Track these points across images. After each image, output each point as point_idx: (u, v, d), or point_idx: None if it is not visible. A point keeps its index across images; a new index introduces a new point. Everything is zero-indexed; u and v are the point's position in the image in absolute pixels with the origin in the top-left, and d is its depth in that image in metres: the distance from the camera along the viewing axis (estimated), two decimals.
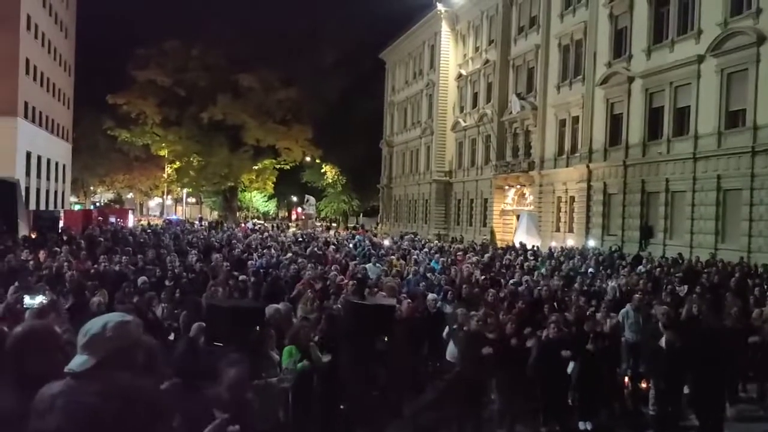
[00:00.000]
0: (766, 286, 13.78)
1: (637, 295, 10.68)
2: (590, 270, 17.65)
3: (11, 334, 2.92)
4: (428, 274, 15.49)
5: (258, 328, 6.13)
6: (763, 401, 9.02)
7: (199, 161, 61.18)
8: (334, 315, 7.72)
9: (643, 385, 8.92)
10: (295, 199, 76.22)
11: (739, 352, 8.70)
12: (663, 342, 8.03)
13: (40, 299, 4.07)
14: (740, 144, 22.75)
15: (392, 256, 20.23)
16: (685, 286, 13.60)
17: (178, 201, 79.66)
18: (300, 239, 28.14)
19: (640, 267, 19.02)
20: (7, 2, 39.83)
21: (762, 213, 21.75)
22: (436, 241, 30.47)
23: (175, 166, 64.56)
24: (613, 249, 25.48)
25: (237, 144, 61.42)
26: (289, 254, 18.66)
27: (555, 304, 10.81)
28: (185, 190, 70.87)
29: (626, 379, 9.18)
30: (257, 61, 59.09)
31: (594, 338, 8.16)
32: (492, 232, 38.14)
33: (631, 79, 28.80)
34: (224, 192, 66.13)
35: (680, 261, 21.17)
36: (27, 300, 3.95)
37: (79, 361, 2.40)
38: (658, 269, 18.30)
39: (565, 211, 34.57)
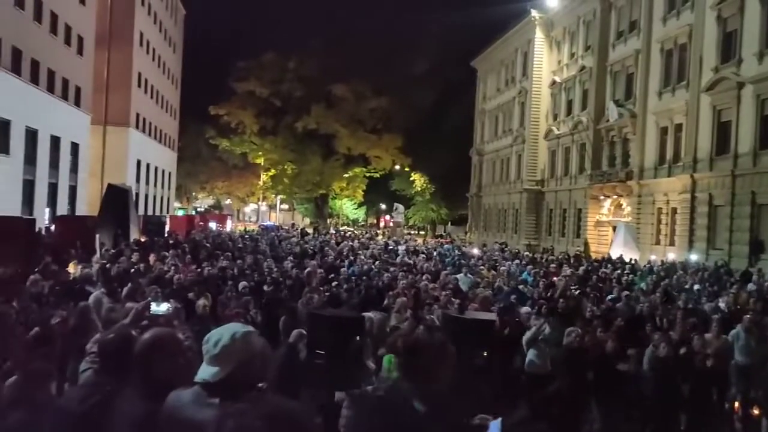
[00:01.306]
0: None
1: (748, 316, 10.05)
2: (696, 287, 16.74)
3: (140, 340, 3.07)
4: (520, 286, 15.24)
5: (358, 337, 6.27)
6: None
7: (293, 169, 63.19)
8: (431, 327, 7.76)
9: (756, 412, 8.40)
10: (383, 206, 77.02)
11: None
12: None
13: (166, 307, 4.36)
14: None
15: (482, 267, 20.03)
16: None
17: (272, 207, 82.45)
18: (390, 247, 28.41)
19: (750, 284, 17.85)
20: (122, 21, 42.89)
21: None
22: (527, 252, 29.86)
23: (270, 174, 66.98)
24: (719, 264, 24.04)
25: (329, 152, 62.98)
26: (377, 262, 18.88)
27: (657, 321, 10.36)
28: (279, 197, 73.27)
29: (736, 404, 8.67)
30: (350, 72, 60.47)
31: (703, 359, 7.77)
32: (586, 244, 37.01)
33: (741, 85, 27.16)
34: (316, 199, 67.89)
35: None
36: (154, 307, 4.24)
37: (211, 372, 2.51)
38: None
39: (666, 223, 32.98)
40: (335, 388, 6.04)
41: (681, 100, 31.66)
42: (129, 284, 10.74)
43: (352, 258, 20.81)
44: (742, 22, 27.31)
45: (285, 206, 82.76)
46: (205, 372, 2.54)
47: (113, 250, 17.70)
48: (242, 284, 11.39)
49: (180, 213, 57.86)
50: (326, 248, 25.42)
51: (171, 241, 23.28)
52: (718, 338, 8.94)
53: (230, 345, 2.55)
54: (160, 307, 4.27)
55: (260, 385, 2.61)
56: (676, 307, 11.86)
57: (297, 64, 60.87)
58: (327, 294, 12.29)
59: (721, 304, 12.25)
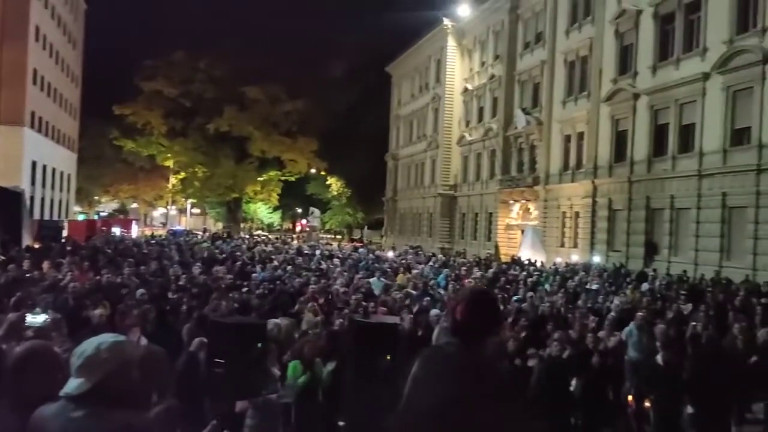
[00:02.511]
0: None
1: (641, 314, 10.62)
2: (594, 287, 17.56)
3: (12, 354, 2.90)
4: (431, 291, 15.43)
5: (260, 344, 6.11)
6: None
7: (204, 172, 61.44)
8: (336, 332, 7.69)
9: (647, 404, 8.84)
10: (299, 210, 76.33)
11: (744, 372, 8.60)
12: (660, 359, 7.99)
13: (43, 318, 4.05)
14: (745, 162, 22.69)
15: (398, 270, 20.15)
16: (690, 305, 13.52)
17: (182, 211, 79.85)
18: (305, 252, 28.12)
19: (645, 284, 18.93)
20: (15, 14, 40.30)
21: (767, 231, 21.65)
22: (441, 255, 30.39)
23: (180, 177, 64.84)
24: (617, 265, 25.38)
25: (242, 155, 61.70)
26: (290, 267, 18.63)
27: (558, 321, 10.75)
28: (190, 201, 71.08)
29: (630, 398, 9.09)
30: (264, 74, 59.52)
31: (597, 356, 8.10)
32: (496, 247, 38.10)
33: (636, 96, 28.83)
34: (229, 203, 66.31)
35: (685, 279, 21.08)
36: (29, 318, 3.93)
37: (74, 385, 2.39)
38: (663, 287, 18.19)
39: (570, 227, 34.50)
40: (236, 397, 5.87)
41: (583, 109, 33.24)
42: (18, 293, 10.03)
43: (263, 263, 20.43)
44: (638, 36, 29.02)
45: (196, 210, 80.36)
46: (70, 384, 2.41)
47: (2, 257, 16.49)
48: (140, 292, 10.84)
49: (81, 217, 54.94)
50: (238, 253, 24.85)
51: (68, 248, 21.99)
52: (611, 336, 9.38)
53: (94, 355, 2.42)
54: (37, 319, 3.96)
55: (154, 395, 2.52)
56: (577, 307, 12.37)
57: (208, 65, 59.30)
58: (236, 300, 11.96)
59: (617, 303, 12.88)
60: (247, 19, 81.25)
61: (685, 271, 22.68)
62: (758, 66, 22.32)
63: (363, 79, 64.08)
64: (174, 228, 56.44)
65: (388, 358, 5.42)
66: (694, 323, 10.70)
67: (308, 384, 7.25)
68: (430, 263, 24.54)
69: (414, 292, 14.78)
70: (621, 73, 30.15)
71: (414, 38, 54.23)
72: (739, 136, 23.48)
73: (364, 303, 11.23)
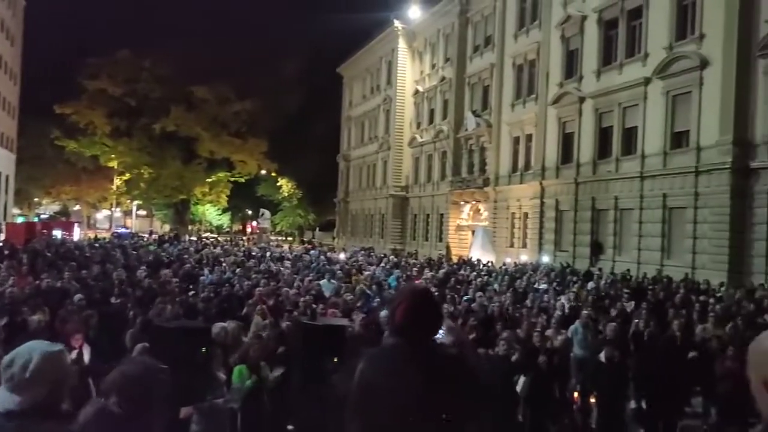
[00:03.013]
0: (708, 303, 14.19)
1: (586, 312, 10.86)
2: (542, 286, 17.88)
3: None
4: (384, 292, 15.41)
5: (204, 348, 5.96)
6: (707, 416, 9.22)
7: (150, 173, 60.00)
8: (283, 335, 7.58)
9: (592, 400, 9.05)
10: (249, 212, 75.35)
11: (683, 367, 8.88)
12: (603, 357, 8.19)
13: None
14: (684, 164, 23.53)
15: (350, 272, 20.06)
16: (633, 302, 13.90)
17: (127, 214, 77.68)
18: (254, 254, 27.72)
19: (591, 283, 19.39)
20: None
21: (705, 231, 22.49)
22: (392, 256, 30.45)
23: (124, 178, 63.13)
24: (564, 265, 25.93)
25: (190, 156, 60.55)
26: (238, 269, 18.33)
27: (507, 321, 10.89)
28: (135, 203, 69.25)
29: (575, 394, 9.29)
30: (213, 74, 58.55)
31: (544, 355, 8.23)
32: (448, 247, 38.44)
33: (581, 100, 29.55)
34: (176, 205, 64.92)
35: (628, 277, 21.69)
36: None
37: (14, 400, 2.27)
38: (607, 285, 18.67)
39: (519, 227, 35.09)
40: (179, 403, 5.71)
41: (531, 112, 33.88)
42: None
43: (211, 266, 20.03)
44: (583, 41, 29.75)
45: (142, 212, 78.33)
46: (8, 400, 2.24)
47: None
48: (77, 297, 10.47)
49: (20, 220, 52.80)
50: (185, 256, 24.31)
51: (6, 251, 21.10)
52: (558, 334, 9.55)
53: (23, 367, 2.26)
54: None
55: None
56: (525, 307, 12.56)
57: (154, 64, 57.91)
58: (182, 304, 11.67)
59: (563, 302, 13.13)
60: (195, 19, 79.71)
61: (628, 270, 23.37)
62: (696, 71, 23.18)
63: (314, 79, 63.75)
64: (119, 230, 54.83)
65: (335, 360, 5.37)
66: (636, 321, 10.99)
67: (254, 388, 7.12)
68: (382, 264, 24.54)
69: (369, 292, 14.75)
70: (567, 76, 30.85)
71: (365, 39, 54.27)
72: (678, 139, 24.32)
73: (313, 305, 11.12)
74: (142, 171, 60.33)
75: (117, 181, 64.68)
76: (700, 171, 22.73)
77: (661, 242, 24.55)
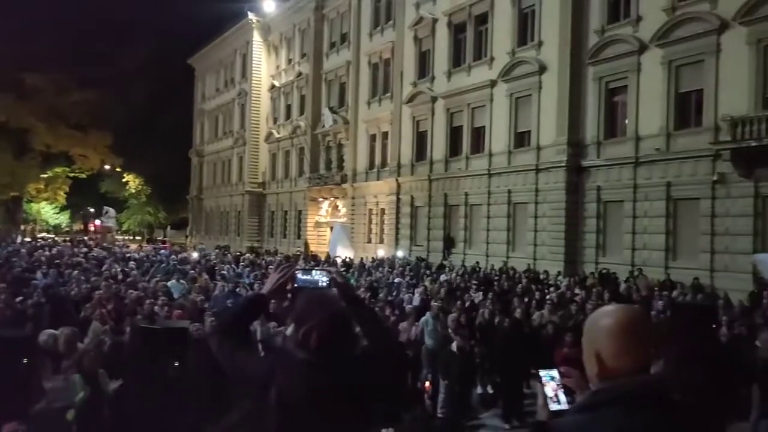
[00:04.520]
0: (546, 291, 15.28)
1: (436, 304, 11.21)
2: (397, 280, 18.28)
3: None
4: (238, 290, 14.93)
5: (26, 359, 5.33)
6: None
7: None
8: (120, 341, 7.03)
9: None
10: (92, 210, 70.06)
11: (524, 351, 9.43)
12: (455, 347, 8.48)
13: None
14: (526, 162, 25.19)
15: (197, 272, 19.22)
16: (480, 293, 14.61)
17: None
18: (96, 254, 25.73)
19: (443, 276, 20.15)
20: None
21: (545, 224, 24.23)
22: (248, 254, 29.71)
23: None
24: (419, 259, 26.76)
25: (22, 149, 54.99)
26: (75, 272, 16.91)
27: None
28: None
29: (427, 384, 9.55)
30: (49, 61, 53.48)
31: (398, 348, 8.35)
32: (306, 244, 38.22)
33: (434, 99, 30.64)
34: (6, 202, 58.75)
35: (477, 269, 22.83)
36: None
37: None
38: (458, 278, 19.49)
39: (376, 223, 35.73)
40: (2, 419, 5.07)
41: (387, 110, 34.59)
42: None
43: (45, 269, 18.28)
44: (434, 43, 30.85)
45: None
46: None
47: None
48: None
49: None
50: (14, 259, 22.00)
51: None
52: (413, 326, 9.76)
53: None
54: None
55: None
56: (379, 300, 12.74)
57: None
58: (9, 311, 10.52)
59: (416, 295, 13.49)
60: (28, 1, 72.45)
61: (478, 263, 24.63)
62: (535, 76, 24.89)
63: (164, 70, 60.52)
64: None
65: (177, 364, 5.03)
66: (482, 310, 11.53)
67: (90, 398, 6.53)
68: (240, 263, 23.86)
69: (219, 293, 14.18)
70: (420, 76, 31.84)
71: (218, 30, 52.46)
72: (521, 139, 25.98)
73: (157, 308, 10.48)
74: None
75: None
76: (540, 169, 24.44)
77: (506, 236, 26.10)
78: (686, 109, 20.31)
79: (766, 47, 17.96)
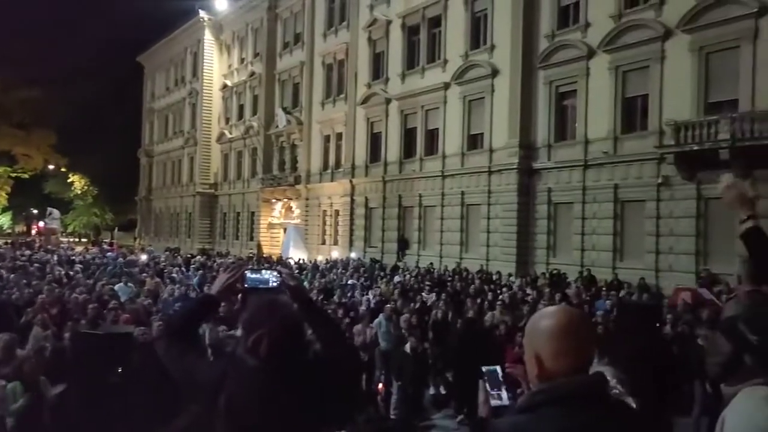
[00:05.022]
0: (498, 292, 15.47)
1: (389, 305, 11.20)
2: (351, 281, 18.21)
3: None
4: (189, 292, 14.60)
5: None
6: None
7: None
8: (62, 347, 6.77)
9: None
10: (35, 211, 67.59)
11: (477, 350, 9.50)
12: (408, 348, 8.49)
13: None
14: (479, 164, 25.47)
15: (145, 275, 18.74)
16: (433, 294, 14.67)
17: None
18: (39, 257, 24.80)
19: (397, 277, 20.17)
20: None
21: (497, 226, 24.54)
22: (199, 257, 29.13)
23: None
24: (373, 260, 26.74)
25: None
26: (13, 275, 16.24)
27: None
28: None
29: (380, 385, 9.52)
30: None
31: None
32: (259, 246, 37.75)
33: (388, 101, 30.69)
34: None
35: (432, 270, 22.94)
36: None
37: None
38: (412, 279, 19.54)
39: (331, 225, 35.55)
40: None
41: (341, 111, 34.47)
42: None
43: None
44: (388, 45, 30.92)
45: None
46: None
47: None
48: None
49: None
50: None
51: None
52: (366, 328, 9.72)
53: None
54: None
55: None
56: (332, 302, 12.65)
57: None
58: None
59: (368, 295, 13.45)
60: None
61: (432, 264, 24.75)
62: (488, 79, 25.20)
63: (111, 68, 58.96)
64: None
65: (120, 370, 4.86)
66: (435, 311, 11.58)
67: (30, 406, 6.27)
68: (192, 265, 23.35)
69: (168, 297, 13.85)
70: (374, 78, 31.86)
71: (168, 28, 51.36)
72: (474, 141, 26.26)
73: (104, 312, 10.15)
74: None
75: None
76: (492, 171, 24.75)
77: (460, 237, 26.32)
78: (633, 114, 20.89)
79: (707, 54, 18.63)
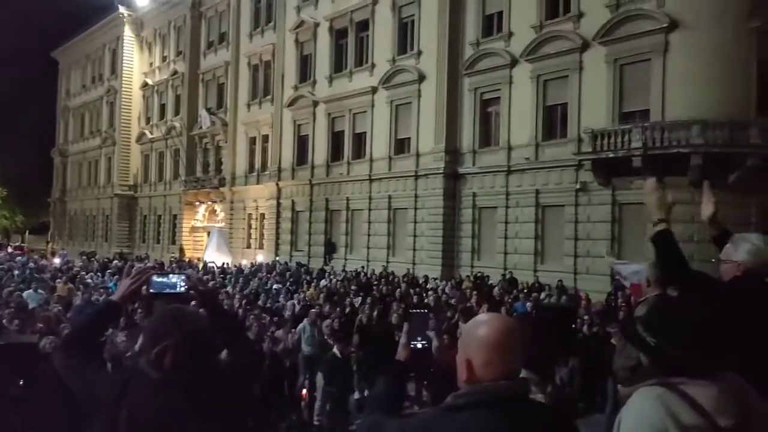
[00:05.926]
0: (423, 295, 15.60)
1: (314, 310, 11.08)
2: (276, 286, 17.91)
3: None
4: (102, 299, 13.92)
5: None
6: (420, 398, 10.02)
7: None
8: None
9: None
10: None
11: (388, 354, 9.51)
12: (337, 352, 8.41)
13: None
14: (406, 168, 25.67)
15: (58, 280, 17.77)
16: (360, 298, 14.61)
17: None
18: None
19: (323, 281, 20.01)
20: None
21: (423, 229, 24.79)
22: (116, 261, 27.93)
23: None
24: (299, 264, 26.44)
25: None
26: None
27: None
28: None
29: (304, 391, 9.38)
30: None
31: (271, 358, 8.13)
32: (181, 250, 36.73)
33: (315, 103, 30.49)
34: None
35: (359, 274, 22.87)
36: None
37: None
38: (338, 283, 19.42)
39: (256, 228, 34.94)
40: None
41: (267, 112, 33.96)
42: None
43: None
44: (316, 47, 30.72)
45: None
46: None
47: None
48: None
49: None
50: None
51: None
52: (288, 334, 9.55)
53: None
54: None
55: None
56: (257, 307, 12.37)
57: None
58: None
59: (293, 300, 13.26)
60: None
61: (363, 267, 24.69)
62: (415, 84, 25.47)
63: (23, 62, 55.97)
64: None
65: (21, 383, 4.54)
66: (360, 315, 11.53)
67: None
68: (108, 270, 22.34)
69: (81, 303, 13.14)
70: (302, 80, 31.58)
71: (86, 22, 49.22)
72: (401, 145, 26.45)
73: (8, 321, 9.51)
74: None
75: None
76: (419, 175, 25.00)
77: (387, 240, 26.43)
78: (553, 121, 21.61)
79: (622, 66, 19.51)
